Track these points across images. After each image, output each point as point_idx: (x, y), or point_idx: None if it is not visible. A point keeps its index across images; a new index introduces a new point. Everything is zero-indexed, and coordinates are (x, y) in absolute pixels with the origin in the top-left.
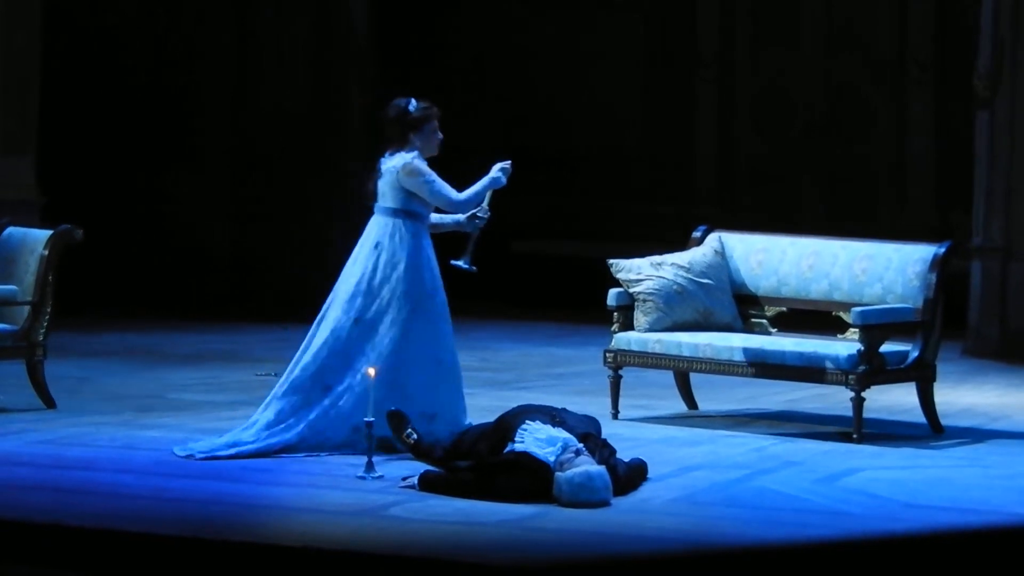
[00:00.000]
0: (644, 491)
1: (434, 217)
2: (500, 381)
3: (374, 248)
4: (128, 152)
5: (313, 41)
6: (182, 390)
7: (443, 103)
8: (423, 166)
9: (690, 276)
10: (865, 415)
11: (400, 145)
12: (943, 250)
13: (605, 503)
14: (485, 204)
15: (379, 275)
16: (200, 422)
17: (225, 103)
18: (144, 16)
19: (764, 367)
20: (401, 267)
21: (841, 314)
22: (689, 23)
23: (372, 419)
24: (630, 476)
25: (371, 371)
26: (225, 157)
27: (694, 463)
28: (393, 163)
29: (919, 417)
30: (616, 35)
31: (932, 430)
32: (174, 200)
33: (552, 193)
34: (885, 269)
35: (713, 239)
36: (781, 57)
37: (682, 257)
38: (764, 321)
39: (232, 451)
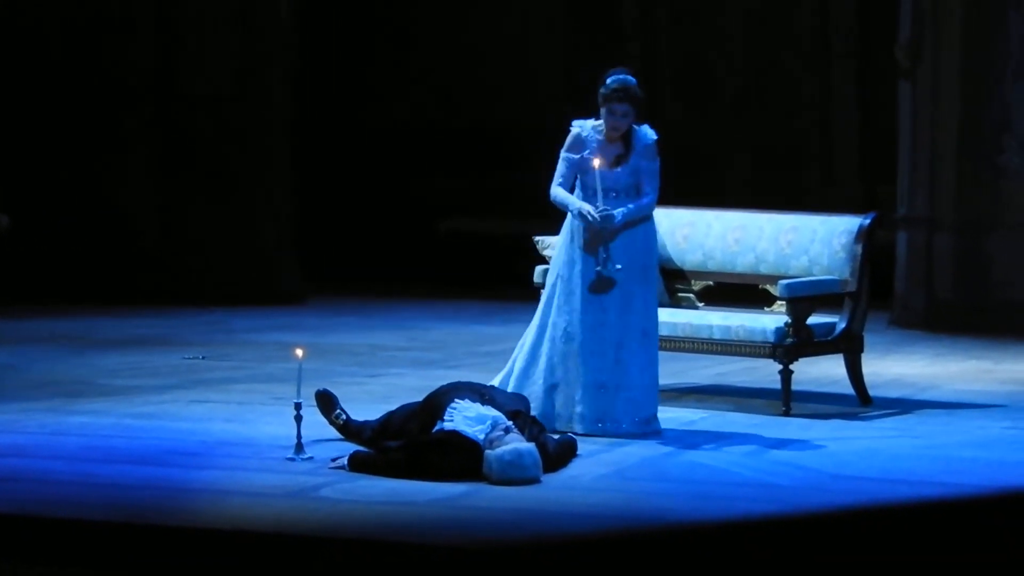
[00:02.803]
0: (574, 468)
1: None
2: (428, 360)
3: None
4: (54, 141)
5: (236, 26)
6: (111, 376)
7: (366, 83)
8: (568, 140)
9: None
10: (793, 387)
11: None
12: (868, 221)
13: (535, 480)
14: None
15: None
16: (130, 407)
17: (149, 89)
18: (66, 3)
19: (691, 341)
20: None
21: (768, 287)
22: None
23: (300, 400)
24: (560, 453)
25: (298, 352)
26: (150, 142)
27: (623, 439)
28: None
29: (847, 389)
30: (538, 10)
31: (860, 401)
32: (101, 187)
33: (475, 171)
34: (811, 241)
35: None
36: (703, 30)
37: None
38: (691, 295)
39: None
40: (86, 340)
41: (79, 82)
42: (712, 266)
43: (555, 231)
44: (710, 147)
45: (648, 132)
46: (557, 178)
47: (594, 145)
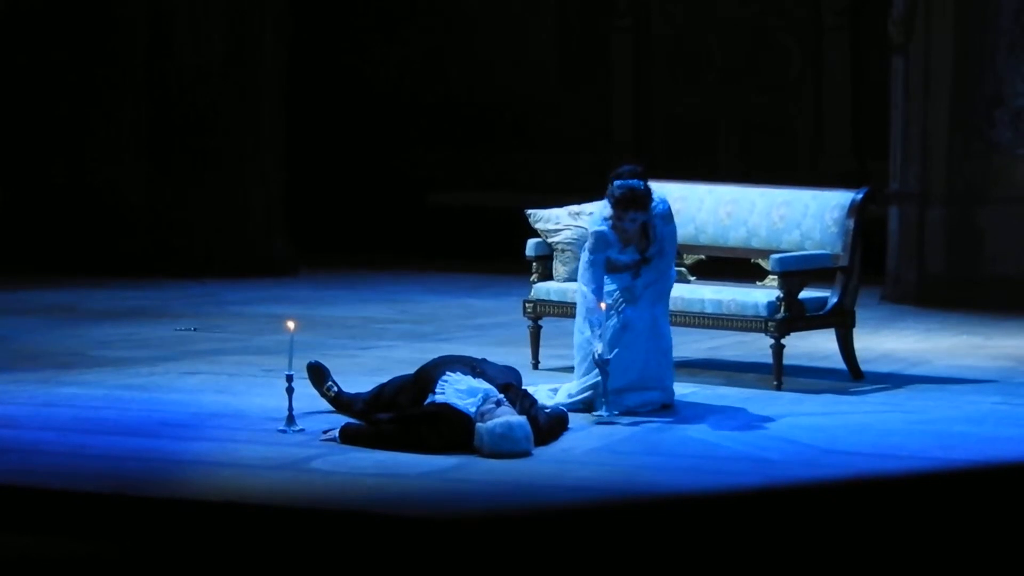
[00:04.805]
0: (565, 441)
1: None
2: (420, 333)
3: None
4: (43, 111)
5: None
6: (102, 347)
7: (360, 56)
8: (591, 243)
9: None
10: (785, 362)
11: None
12: (860, 196)
13: (526, 453)
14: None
15: None
16: (121, 378)
17: (139, 59)
18: None
19: (683, 315)
20: None
21: (760, 261)
22: None
23: (292, 373)
24: (551, 426)
25: (290, 324)
26: (141, 113)
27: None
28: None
29: (839, 363)
30: None
31: (852, 376)
32: (91, 157)
33: (468, 144)
34: (803, 216)
35: None
36: (696, 4)
37: (600, 206)
38: (683, 269)
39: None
40: (76, 311)
41: (69, 52)
42: (704, 240)
43: (547, 204)
44: (701, 121)
45: (660, 210)
46: (591, 284)
47: (617, 247)
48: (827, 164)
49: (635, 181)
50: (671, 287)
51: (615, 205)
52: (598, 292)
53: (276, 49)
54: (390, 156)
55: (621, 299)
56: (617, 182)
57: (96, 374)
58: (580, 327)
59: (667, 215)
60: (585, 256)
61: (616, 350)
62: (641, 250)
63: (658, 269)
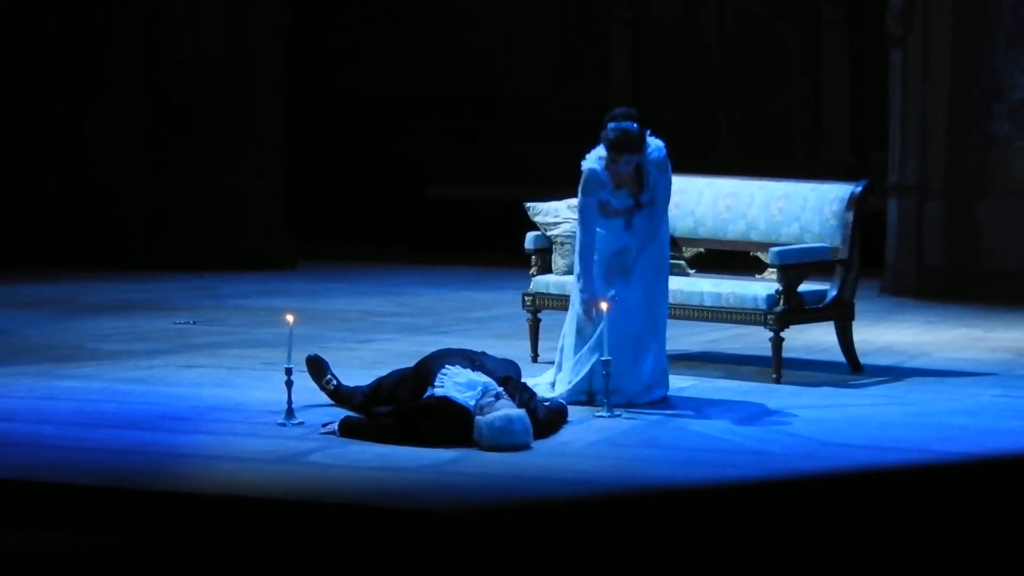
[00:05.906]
0: (564, 434)
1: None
2: (418, 326)
3: None
4: (41, 104)
5: None
6: (101, 340)
7: (358, 49)
8: (583, 183)
9: None
10: (784, 355)
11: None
12: (859, 189)
13: (525, 446)
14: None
15: None
16: (120, 371)
17: (138, 52)
18: None
19: (682, 308)
20: None
21: (759, 254)
22: None
23: (291, 366)
24: (550, 419)
25: (289, 317)
26: (139, 106)
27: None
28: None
29: (838, 356)
30: None
31: (851, 369)
32: (90, 151)
33: (467, 137)
34: (802, 208)
35: None
36: None
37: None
38: (682, 262)
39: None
40: (75, 304)
41: (68, 45)
42: (703, 233)
43: (546, 197)
44: (699, 114)
45: (655, 156)
46: (583, 233)
47: (609, 188)
48: (826, 157)
49: (629, 123)
50: (666, 261)
51: (609, 148)
52: (588, 246)
53: (273, 43)
54: (389, 149)
55: (614, 267)
56: (611, 124)
57: (95, 367)
58: (573, 299)
59: (662, 163)
60: (577, 200)
61: (604, 323)
62: (634, 194)
63: (649, 229)
